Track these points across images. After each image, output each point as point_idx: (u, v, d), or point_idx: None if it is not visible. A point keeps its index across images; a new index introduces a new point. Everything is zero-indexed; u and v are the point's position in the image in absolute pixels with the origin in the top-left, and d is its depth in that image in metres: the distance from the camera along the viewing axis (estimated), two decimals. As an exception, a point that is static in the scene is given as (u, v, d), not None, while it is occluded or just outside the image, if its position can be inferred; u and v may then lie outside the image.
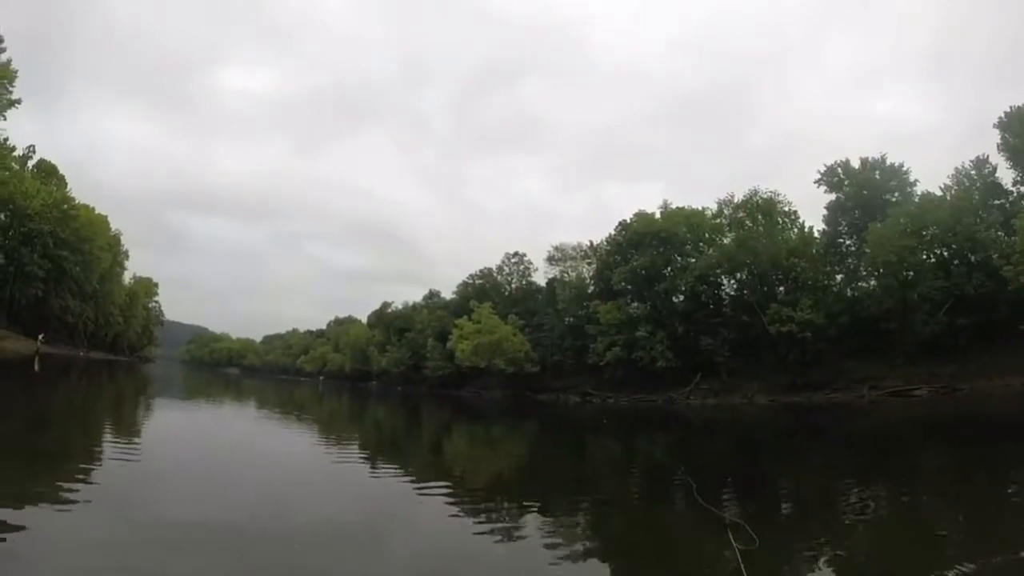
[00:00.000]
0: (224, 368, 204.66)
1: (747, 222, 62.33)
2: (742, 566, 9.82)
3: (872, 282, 56.65)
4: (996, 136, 52.60)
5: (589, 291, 71.44)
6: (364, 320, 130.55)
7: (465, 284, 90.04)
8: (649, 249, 64.23)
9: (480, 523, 14.54)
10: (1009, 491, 17.55)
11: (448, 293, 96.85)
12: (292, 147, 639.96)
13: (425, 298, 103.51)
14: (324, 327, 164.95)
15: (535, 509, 16.87)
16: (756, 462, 26.61)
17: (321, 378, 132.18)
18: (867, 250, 53.86)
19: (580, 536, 13.98)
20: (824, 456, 28.49)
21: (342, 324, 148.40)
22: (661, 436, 39.31)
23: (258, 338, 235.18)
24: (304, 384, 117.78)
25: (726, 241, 63.15)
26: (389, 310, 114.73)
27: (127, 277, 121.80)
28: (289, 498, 15.91)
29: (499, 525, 14.67)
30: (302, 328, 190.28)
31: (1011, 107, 52.15)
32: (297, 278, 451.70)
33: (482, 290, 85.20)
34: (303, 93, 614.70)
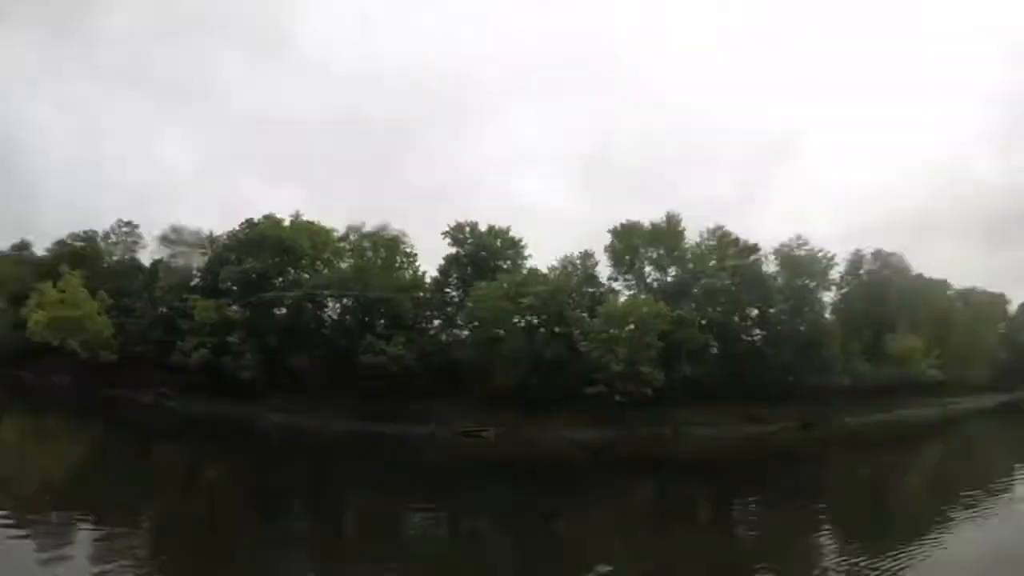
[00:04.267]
0: None
1: (368, 252, 63.61)
2: None
3: (465, 332, 60.76)
4: (607, 238, 65.78)
5: (193, 283, 66.66)
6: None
7: (62, 243, 78.76)
8: (266, 254, 61.82)
9: (20, 537, 12.26)
10: (557, 522, 19.38)
11: (41, 249, 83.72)
12: None
13: (13, 248, 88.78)
14: None
15: (88, 522, 14.81)
16: (329, 484, 26.18)
17: None
18: (468, 303, 57.53)
19: (134, 557, 12.37)
20: (395, 482, 29.44)
21: None
22: (239, 453, 38.04)
23: None
24: None
25: (344, 265, 63.74)
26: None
27: None
28: None
29: (44, 540, 12.55)
30: None
31: (626, 220, 66.61)
32: None
33: (79, 255, 75.11)
34: None
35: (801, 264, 69.27)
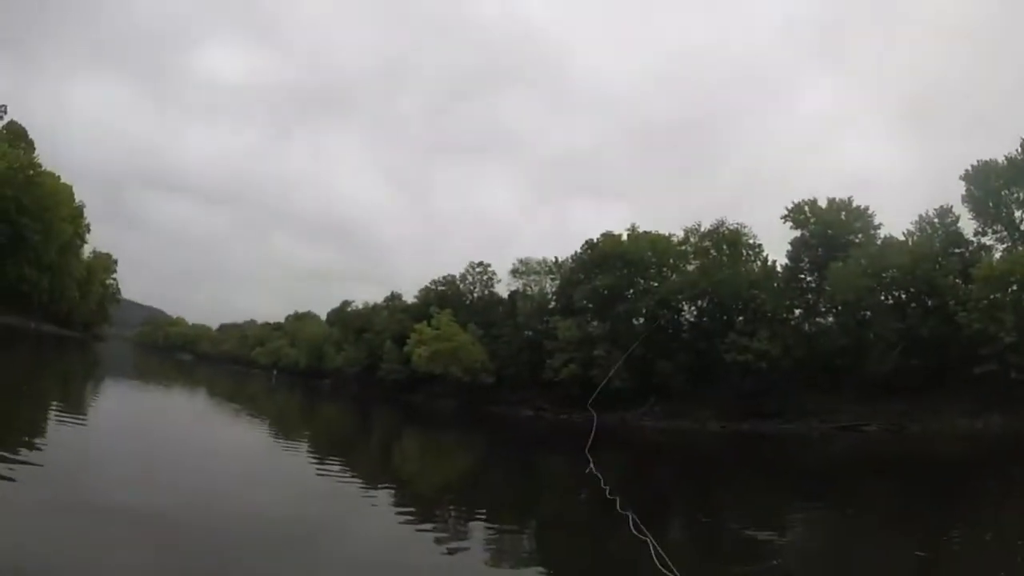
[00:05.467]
0: (177, 353, 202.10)
1: (712, 251, 63.20)
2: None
3: (830, 319, 58.05)
4: (961, 187, 54.75)
5: (550, 307, 71.72)
6: (323, 317, 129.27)
7: (427, 289, 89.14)
8: (613, 270, 64.34)
9: (423, 532, 14.32)
10: (954, 530, 17.69)
11: (409, 297, 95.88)
12: (264, 135, 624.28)
13: (386, 300, 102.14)
14: (282, 320, 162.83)
15: (481, 521, 16.73)
16: (704, 488, 26.68)
17: (274, 372, 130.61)
18: (827, 287, 55.10)
19: (523, 553, 13.81)
20: (773, 485, 28.63)
21: (300, 319, 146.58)
22: (611, 457, 39.31)
23: (213, 325, 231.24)
24: (256, 376, 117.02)
25: (690, 268, 63.83)
26: (349, 309, 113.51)
27: (87, 251, 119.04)
28: (229, 492, 15.59)
29: (443, 535, 14.46)
30: (259, 320, 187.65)
31: (977, 161, 54.57)
32: (257, 268, 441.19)
33: (443, 297, 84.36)
34: (279, 82, 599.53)
35: None
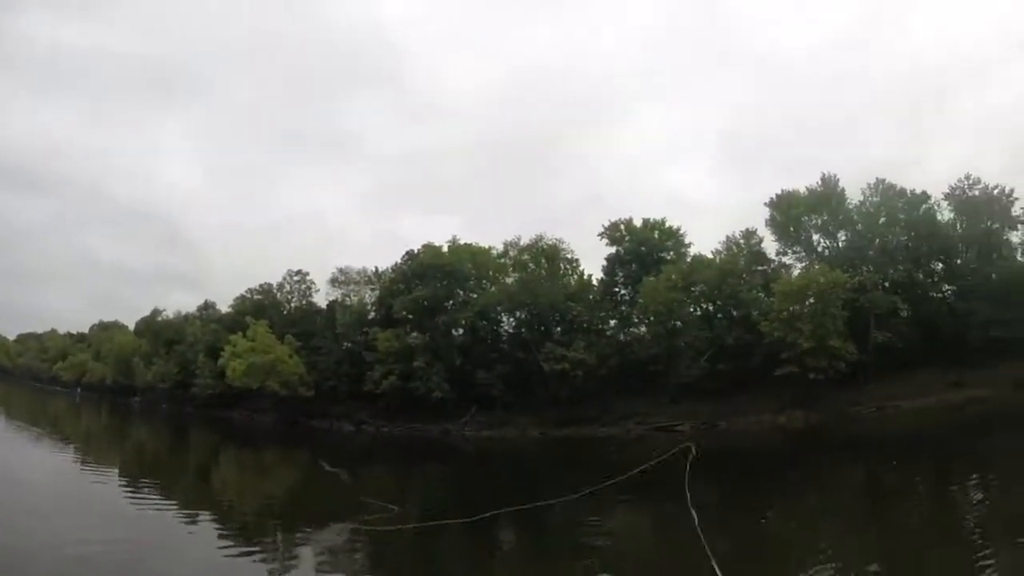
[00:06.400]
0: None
1: (530, 264, 64.79)
2: None
3: (643, 329, 60.60)
4: (766, 213, 60.64)
5: (370, 317, 70.44)
6: (132, 327, 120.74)
7: (243, 298, 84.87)
8: (433, 281, 64.19)
9: (247, 555, 13.40)
10: (766, 516, 18.82)
11: (224, 306, 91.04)
12: (79, 115, 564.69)
13: (199, 309, 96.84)
14: (87, 330, 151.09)
15: (307, 538, 15.82)
16: (524, 489, 26.67)
17: (78, 389, 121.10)
18: (640, 300, 57.51)
19: (355, 565, 13.17)
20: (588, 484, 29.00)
21: (107, 329, 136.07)
22: (436, 467, 39.14)
23: (10, 335, 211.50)
24: (59, 394, 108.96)
25: (509, 281, 64.93)
26: (159, 318, 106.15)
27: None
28: (34, 527, 13.96)
29: (268, 557, 13.57)
30: (62, 329, 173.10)
31: (781, 190, 60.85)
32: (63, 267, 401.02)
33: (260, 306, 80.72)
34: (103, 56, 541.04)
35: (978, 206, 59.62)
